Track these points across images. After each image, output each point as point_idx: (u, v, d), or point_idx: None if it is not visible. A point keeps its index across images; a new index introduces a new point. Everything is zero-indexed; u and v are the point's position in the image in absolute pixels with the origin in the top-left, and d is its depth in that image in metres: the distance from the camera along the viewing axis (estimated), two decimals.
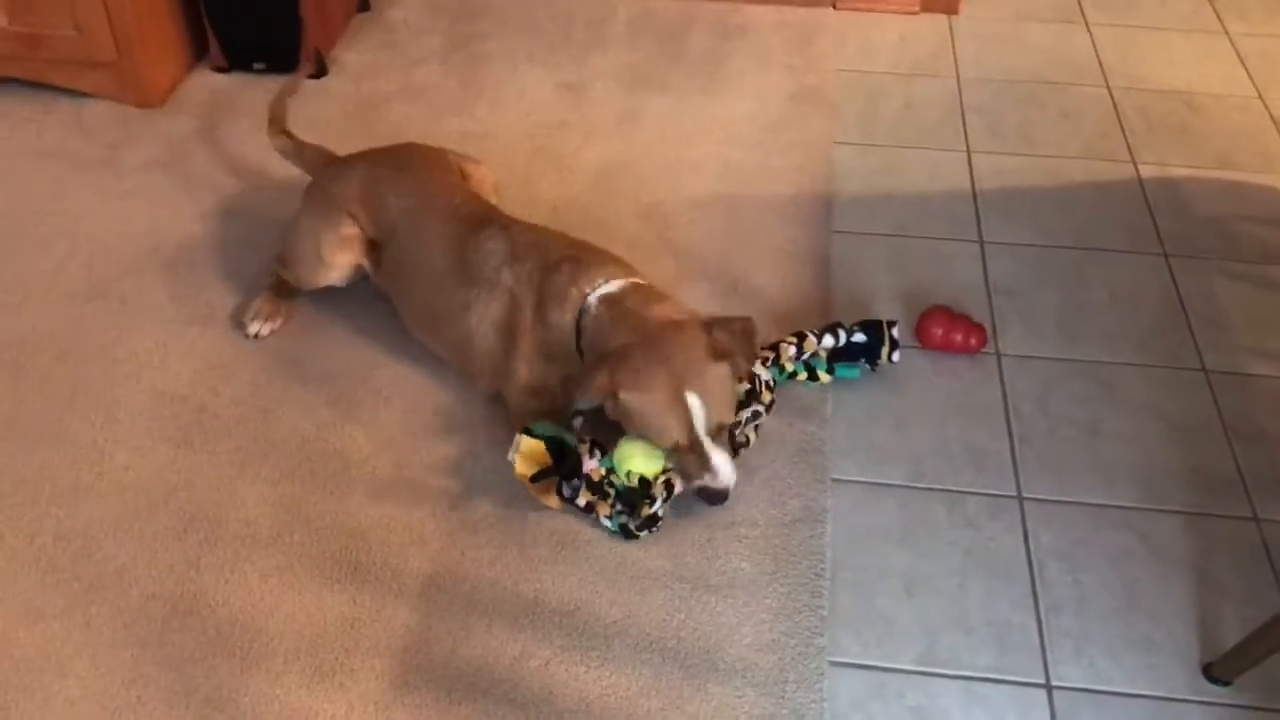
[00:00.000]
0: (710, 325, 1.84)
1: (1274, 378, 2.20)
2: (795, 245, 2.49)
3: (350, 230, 2.19)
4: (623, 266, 1.99)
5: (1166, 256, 2.50)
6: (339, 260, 2.21)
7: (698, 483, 1.82)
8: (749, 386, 2.00)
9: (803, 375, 2.13)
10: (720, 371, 1.81)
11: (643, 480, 1.85)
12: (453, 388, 2.14)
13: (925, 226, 2.57)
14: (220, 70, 3.04)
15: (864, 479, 1.99)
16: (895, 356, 2.12)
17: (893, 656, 1.73)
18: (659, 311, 1.87)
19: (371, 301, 2.30)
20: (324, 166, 2.33)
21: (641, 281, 1.96)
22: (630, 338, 1.83)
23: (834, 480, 1.99)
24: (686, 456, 1.82)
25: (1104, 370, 2.21)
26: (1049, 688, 1.70)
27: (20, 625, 1.73)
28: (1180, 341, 2.28)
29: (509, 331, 2.00)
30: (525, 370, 1.99)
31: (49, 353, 2.20)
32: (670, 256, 2.45)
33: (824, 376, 2.13)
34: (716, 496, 1.84)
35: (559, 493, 1.86)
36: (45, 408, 2.09)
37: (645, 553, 1.85)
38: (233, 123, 2.86)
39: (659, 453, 1.84)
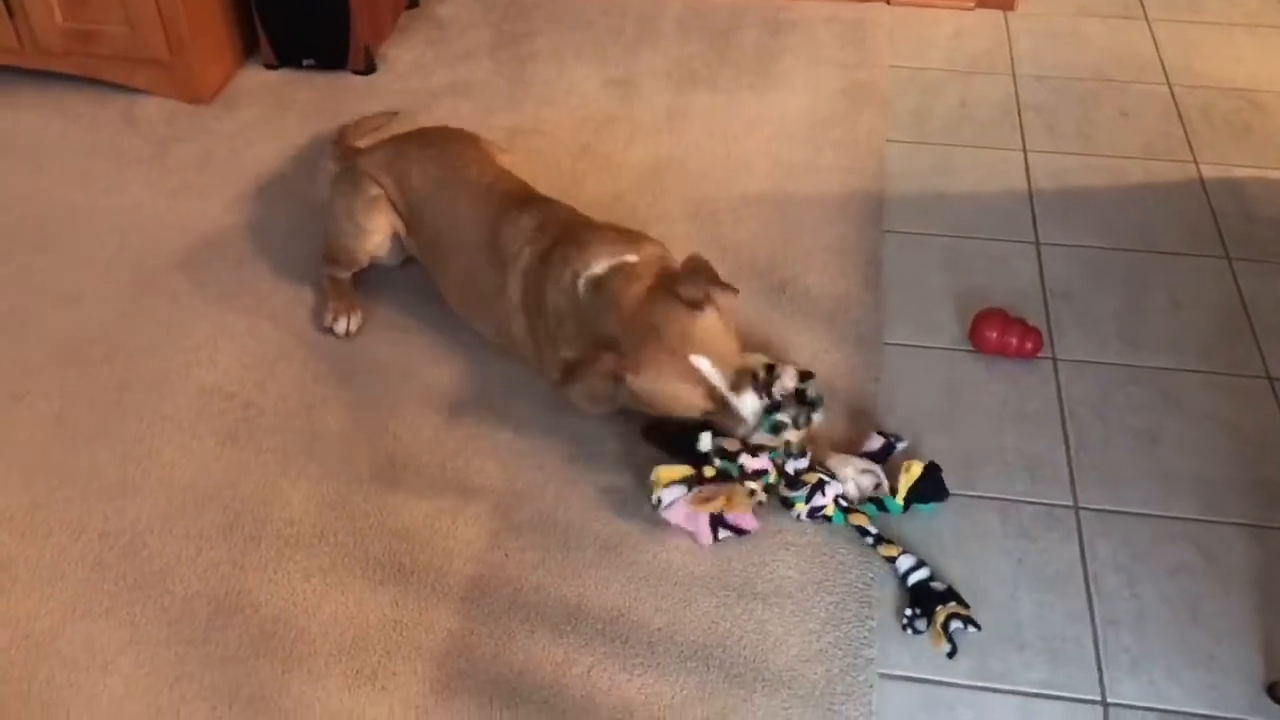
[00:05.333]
0: (673, 283, 1.83)
1: None
2: (846, 244, 2.45)
3: (375, 191, 2.23)
4: (622, 244, 1.96)
5: (1229, 260, 2.43)
6: (375, 224, 2.23)
7: (741, 435, 1.83)
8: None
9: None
10: (708, 321, 1.81)
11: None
12: (498, 386, 2.12)
13: (979, 227, 2.52)
14: (270, 67, 3.05)
15: None
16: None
17: (944, 670, 1.68)
18: (635, 289, 1.85)
19: (416, 300, 2.29)
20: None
21: (630, 259, 1.92)
22: (613, 323, 1.83)
23: None
24: (718, 418, 1.82)
25: (1164, 377, 2.15)
26: (1105, 704, 1.65)
27: (67, 622, 1.74)
28: (1244, 348, 2.21)
29: (531, 314, 2.01)
30: (550, 354, 2.00)
31: (99, 348, 2.21)
32: (718, 255, 2.41)
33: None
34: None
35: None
36: (94, 403, 2.10)
37: (690, 559, 1.82)
38: (281, 119, 2.86)
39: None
